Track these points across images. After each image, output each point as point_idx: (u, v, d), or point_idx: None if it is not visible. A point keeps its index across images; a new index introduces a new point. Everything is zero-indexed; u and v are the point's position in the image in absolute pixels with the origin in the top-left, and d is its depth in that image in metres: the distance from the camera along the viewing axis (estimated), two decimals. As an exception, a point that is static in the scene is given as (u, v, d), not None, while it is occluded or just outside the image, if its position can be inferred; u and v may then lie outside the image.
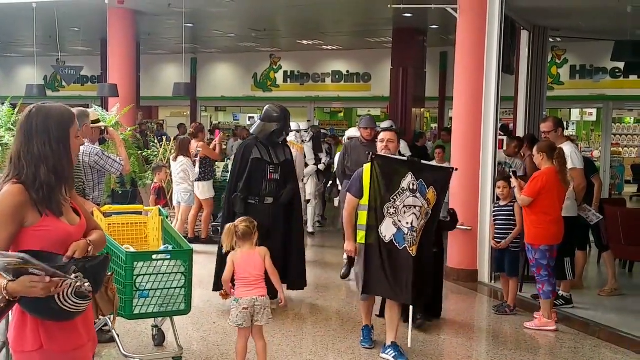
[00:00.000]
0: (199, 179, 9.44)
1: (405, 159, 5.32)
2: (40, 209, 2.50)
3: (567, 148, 6.76)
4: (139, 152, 11.11)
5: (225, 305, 6.77)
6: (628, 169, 18.47)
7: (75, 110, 3.05)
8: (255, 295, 4.50)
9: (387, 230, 4.98)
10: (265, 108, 6.52)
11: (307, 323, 6.20)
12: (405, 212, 4.95)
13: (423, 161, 5.32)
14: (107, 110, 11.37)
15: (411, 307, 5.14)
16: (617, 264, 8.45)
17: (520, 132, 10.02)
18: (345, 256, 7.68)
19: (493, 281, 7.58)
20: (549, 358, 5.49)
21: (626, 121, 20.70)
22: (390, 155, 5.24)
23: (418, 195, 4.98)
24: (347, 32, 16.76)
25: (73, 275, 2.39)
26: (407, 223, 4.95)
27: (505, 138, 9.46)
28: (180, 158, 9.29)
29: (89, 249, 2.55)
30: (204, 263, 7.33)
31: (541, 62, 10.29)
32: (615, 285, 7.36)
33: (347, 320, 6.27)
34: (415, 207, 4.96)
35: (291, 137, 9.43)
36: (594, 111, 19.51)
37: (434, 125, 19.87)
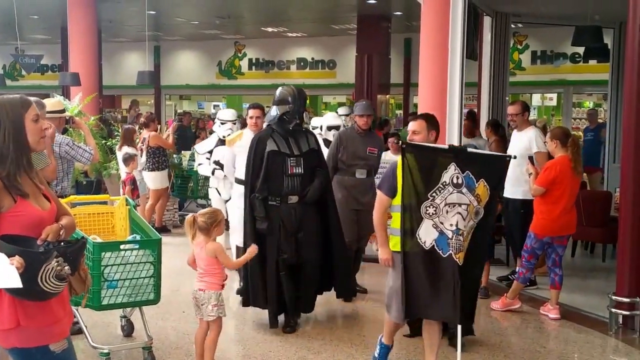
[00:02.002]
0: (152, 169, 9.37)
1: (446, 147, 4.33)
2: (12, 194, 2.65)
3: (531, 132, 6.89)
4: (103, 141, 10.98)
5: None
6: (588, 153, 18.81)
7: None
8: (196, 287, 4.54)
9: (427, 235, 4.10)
10: (277, 90, 5.66)
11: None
12: (447, 212, 4.06)
13: (471, 149, 4.37)
14: (69, 100, 11.20)
15: (459, 327, 4.25)
16: (579, 245, 8.65)
17: (484, 118, 10.13)
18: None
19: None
20: (515, 338, 5.60)
21: (585, 105, 21.07)
22: (425, 144, 4.33)
23: (464, 190, 4.08)
24: (312, 19, 16.74)
25: (54, 261, 2.57)
26: (451, 225, 4.06)
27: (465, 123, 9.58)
28: (125, 148, 9.31)
29: (61, 233, 2.72)
30: (171, 253, 7.28)
31: (504, 47, 10.39)
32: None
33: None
34: (460, 205, 4.06)
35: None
36: (555, 96, 19.84)
37: (399, 112, 19.99)
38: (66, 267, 2.60)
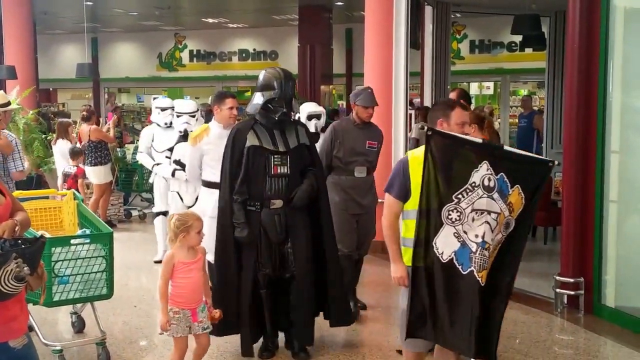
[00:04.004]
0: (95, 164, 9.13)
1: (480, 141, 3.50)
2: None
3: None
4: (43, 135, 10.70)
5: (142, 289, 6.70)
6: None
7: None
8: None
9: (445, 244, 3.32)
10: (260, 74, 4.74)
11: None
12: (474, 220, 3.29)
13: (507, 147, 3.60)
14: (5, 93, 10.86)
15: None
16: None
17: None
18: None
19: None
20: (465, 321, 5.73)
21: (520, 93, 21.63)
22: (456, 134, 3.49)
23: (496, 196, 3.31)
24: (253, 10, 16.65)
25: (14, 262, 2.53)
26: (477, 236, 3.29)
27: (413, 112, 9.72)
28: (60, 141, 9.07)
29: (16, 229, 2.67)
30: (117, 247, 7.13)
31: (444, 37, 10.57)
32: None
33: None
34: (490, 212, 3.29)
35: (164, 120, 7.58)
36: (492, 85, 20.30)
37: (341, 102, 20.08)
38: (25, 268, 2.58)
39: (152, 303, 6.15)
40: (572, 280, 5.70)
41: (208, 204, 5.23)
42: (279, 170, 4.53)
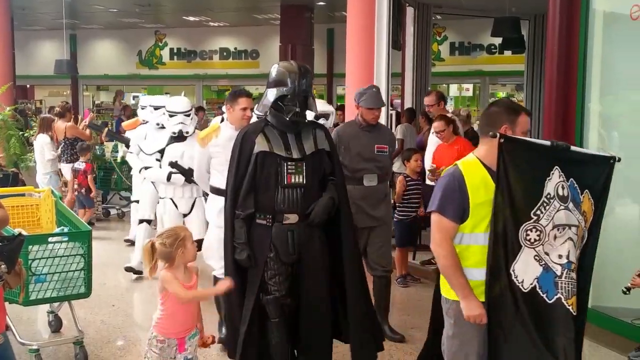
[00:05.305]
0: (70, 161, 9.03)
1: (548, 143, 3.00)
2: None
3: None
4: (20, 132, 10.57)
5: (120, 288, 6.64)
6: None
7: None
8: None
9: (525, 271, 2.85)
10: (272, 68, 4.02)
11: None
12: (555, 238, 2.86)
13: (574, 147, 3.12)
14: (-19, 89, 10.73)
15: None
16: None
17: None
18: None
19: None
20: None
21: (498, 95, 21.81)
22: (526, 138, 2.99)
23: (571, 206, 2.89)
24: (234, 9, 16.59)
25: None
26: (561, 256, 2.86)
27: (394, 112, 9.77)
28: (41, 135, 8.88)
29: None
30: (95, 246, 7.06)
31: (426, 38, 10.63)
32: None
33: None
34: (570, 226, 2.88)
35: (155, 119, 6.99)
36: (471, 87, 20.45)
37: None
38: (2, 266, 2.59)
39: (131, 302, 6.13)
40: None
41: (216, 212, 4.72)
42: (293, 180, 3.85)
